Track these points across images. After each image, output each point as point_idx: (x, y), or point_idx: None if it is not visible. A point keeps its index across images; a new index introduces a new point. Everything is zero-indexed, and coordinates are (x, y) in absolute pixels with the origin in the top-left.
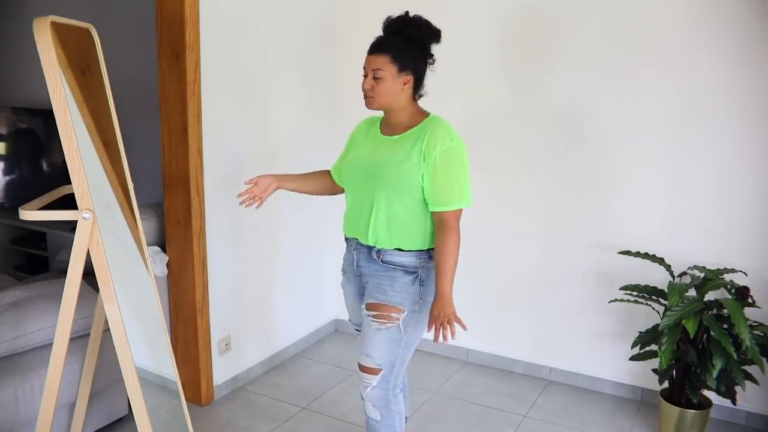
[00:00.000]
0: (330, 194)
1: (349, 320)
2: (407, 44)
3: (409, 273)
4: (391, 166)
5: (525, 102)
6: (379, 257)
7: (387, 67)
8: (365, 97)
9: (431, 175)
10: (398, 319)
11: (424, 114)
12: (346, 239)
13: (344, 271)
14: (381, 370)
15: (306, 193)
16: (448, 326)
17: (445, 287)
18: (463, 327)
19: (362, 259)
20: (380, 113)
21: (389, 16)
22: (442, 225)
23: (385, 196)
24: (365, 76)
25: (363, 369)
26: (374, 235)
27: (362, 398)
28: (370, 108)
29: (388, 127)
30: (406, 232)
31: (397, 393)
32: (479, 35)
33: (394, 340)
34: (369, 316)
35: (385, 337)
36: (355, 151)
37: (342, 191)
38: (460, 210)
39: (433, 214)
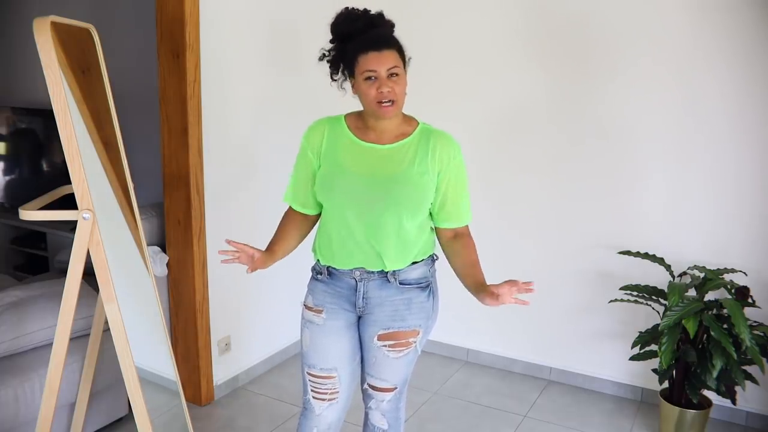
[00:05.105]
0: (304, 238)
1: (315, 367)
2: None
3: (423, 289)
4: (409, 180)
5: (525, 103)
6: (396, 279)
7: (400, 63)
8: (382, 103)
9: (448, 190)
10: (414, 343)
11: (413, 120)
12: (337, 271)
13: (321, 309)
14: (396, 387)
15: (288, 251)
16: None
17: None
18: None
19: (373, 288)
20: (337, 113)
21: (351, 9)
22: (460, 236)
23: (404, 212)
24: (373, 78)
25: (376, 389)
26: (396, 257)
27: (369, 408)
28: (388, 117)
29: (373, 133)
30: (419, 243)
31: (404, 399)
32: (482, 36)
33: (410, 361)
34: (384, 347)
35: (402, 362)
36: (336, 164)
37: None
38: None
39: (446, 229)
